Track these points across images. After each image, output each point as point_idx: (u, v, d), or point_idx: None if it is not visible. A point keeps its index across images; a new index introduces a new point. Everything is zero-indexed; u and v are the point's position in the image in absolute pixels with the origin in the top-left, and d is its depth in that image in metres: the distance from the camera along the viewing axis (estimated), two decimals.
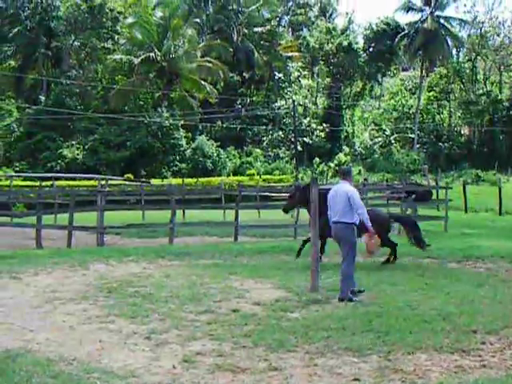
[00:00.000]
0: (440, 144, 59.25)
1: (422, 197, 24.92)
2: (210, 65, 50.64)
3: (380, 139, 61.99)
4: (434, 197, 29.38)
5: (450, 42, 60.27)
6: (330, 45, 63.01)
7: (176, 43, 50.67)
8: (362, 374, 5.82)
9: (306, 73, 65.39)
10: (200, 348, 6.59)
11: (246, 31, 57.34)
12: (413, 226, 13.49)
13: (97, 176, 39.64)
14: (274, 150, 56.08)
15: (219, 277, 10.81)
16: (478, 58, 61.84)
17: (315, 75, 67.45)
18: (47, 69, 54.66)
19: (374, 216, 10.48)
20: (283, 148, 57.36)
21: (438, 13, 59.99)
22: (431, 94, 62.84)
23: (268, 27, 58.73)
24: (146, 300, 8.86)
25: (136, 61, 49.40)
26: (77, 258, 12.90)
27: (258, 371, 5.86)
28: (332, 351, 6.45)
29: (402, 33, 60.35)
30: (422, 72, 61.41)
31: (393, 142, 60.84)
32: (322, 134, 58.86)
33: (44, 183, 35.47)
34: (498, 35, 61.98)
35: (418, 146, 59.00)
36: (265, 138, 57.33)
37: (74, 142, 48.15)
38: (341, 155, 56.24)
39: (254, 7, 57.18)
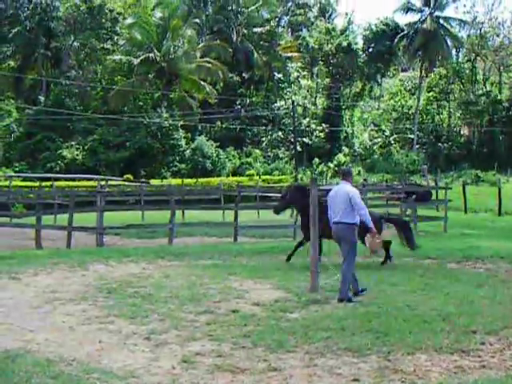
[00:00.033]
0: (439, 144, 59.21)
1: (422, 197, 24.92)
2: (210, 65, 50.61)
3: (379, 140, 61.90)
4: (434, 197, 29.35)
5: (449, 43, 60.18)
6: (330, 45, 62.91)
7: (175, 44, 50.65)
8: (361, 374, 5.82)
9: (305, 73, 65.33)
10: (199, 348, 6.59)
11: (245, 31, 57.27)
12: (404, 226, 13.50)
13: (96, 176, 39.61)
14: (274, 151, 56.02)
15: (218, 277, 10.81)
16: (478, 58, 61.85)
17: (315, 76, 67.36)
18: (47, 69, 54.57)
19: None
20: (283, 148, 57.29)
21: (437, 13, 59.90)
22: (431, 94, 62.79)
23: (267, 27, 58.65)
24: (146, 300, 8.85)
25: (135, 61, 49.39)
26: (76, 259, 12.89)
27: (258, 372, 5.86)
28: (331, 351, 6.46)
29: (402, 33, 60.22)
30: (421, 72, 61.30)
31: (392, 142, 60.75)
32: (322, 135, 58.76)
33: (43, 184, 35.48)
34: (498, 36, 62.03)
35: (417, 146, 58.97)
36: (264, 139, 57.24)
37: (73, 143, 48.09)
38: (340, 156, 56.13)
39: (253, 7, 57.09)
